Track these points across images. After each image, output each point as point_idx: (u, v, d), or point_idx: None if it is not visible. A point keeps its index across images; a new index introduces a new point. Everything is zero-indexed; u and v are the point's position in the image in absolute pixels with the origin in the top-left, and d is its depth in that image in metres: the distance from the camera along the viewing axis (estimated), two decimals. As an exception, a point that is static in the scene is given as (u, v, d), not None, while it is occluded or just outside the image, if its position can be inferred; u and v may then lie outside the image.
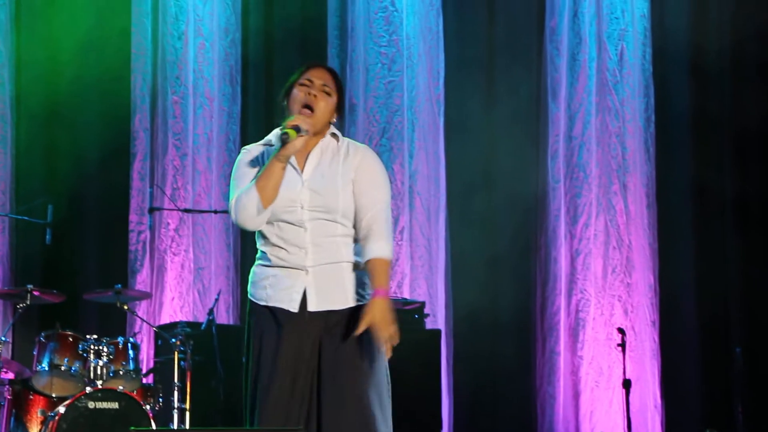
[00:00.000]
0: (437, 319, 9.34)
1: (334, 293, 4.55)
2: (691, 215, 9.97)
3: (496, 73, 10.02)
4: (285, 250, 4.55)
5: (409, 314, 8.43)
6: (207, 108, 9.34)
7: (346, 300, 4.56)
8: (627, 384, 8.52)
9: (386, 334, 4.49)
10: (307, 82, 4.62)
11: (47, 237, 8.33)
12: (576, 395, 9.53)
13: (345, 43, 9.69)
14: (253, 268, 4.71)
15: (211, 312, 8.12)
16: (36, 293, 8.04)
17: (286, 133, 4.44)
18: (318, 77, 4.63)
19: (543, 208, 9.80)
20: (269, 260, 4.60)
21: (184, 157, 9.19)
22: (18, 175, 9.03)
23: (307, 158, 4.62)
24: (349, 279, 4.58)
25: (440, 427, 8.25)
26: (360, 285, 4.59)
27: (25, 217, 8.53)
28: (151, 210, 8.79)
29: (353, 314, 4.52)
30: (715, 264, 9.90)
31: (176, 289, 9.01)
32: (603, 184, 9.81)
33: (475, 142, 9.89)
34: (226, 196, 9.10)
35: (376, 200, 4.60)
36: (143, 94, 9.21)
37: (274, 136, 4.67)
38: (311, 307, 4.53)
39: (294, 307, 4.53)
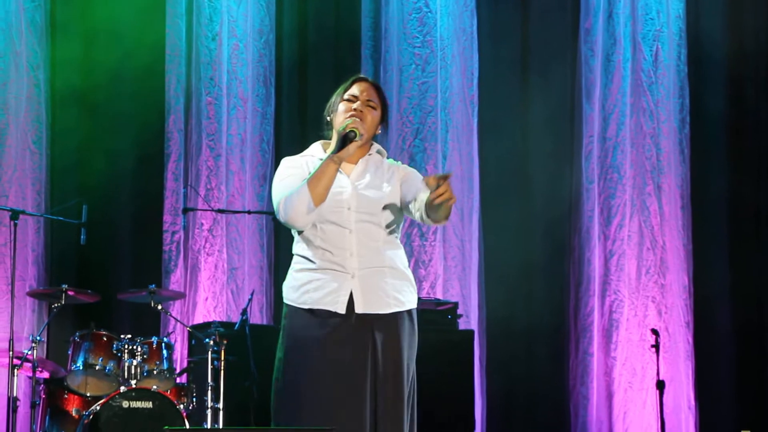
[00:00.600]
0: (470, 319, 9.33)
1: (378, 297, 4.65)
2: (726, 216, 9.93)
3: (530, 74, 10.00)
4: (330, 252, 4.64)
5: (442, 315, 8.43)
6: (241, 109, 9.36)
7: (389, 304, 4.66)
8: (661, 385, 8.49)
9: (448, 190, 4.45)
10: (352, 98, 4.75)
11: (82, 237, 8.36)
12: (609, 396, 9.50)
13: (379, 44, 9.69)
14: (293, 273, 4.75)
15: (244, 312, 8.13)
16: (71, 293, 8.08)
17: (353, 132, 4.60)
18: (363, 91, 4.77)
19: (577, 209, 9.77)
20: (313, 263, 4.67)
21: (217, 157, 9.21)
22: (53, 176, 9.08)
23: (355, 166, 4.78)
24: (391, 284, 4.69)
25: (473, 428, 8.24)
26: (399, 291, 4.70)
27: (60, 218, 8.57)
28: (185, 210, 8.82)
29: (394, 319, 4.65)
30: (749, 265, 9.86)
31: (210, 289, 9.04)
32: (637, 185, 9.77)
33: (509, 143, 9.88)
34: (260, 197, 9.15)
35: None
36: (177, 95, 9.24)
37: (313, 149, 4.81)
38: (359, 309, 4.62)
39: (341, 309, 4.61)
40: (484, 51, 9.81)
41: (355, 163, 4.79)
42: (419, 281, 9.34)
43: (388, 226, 4.75)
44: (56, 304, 8.10)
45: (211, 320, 8.54)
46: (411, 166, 9.34)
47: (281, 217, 4.64)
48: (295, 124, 9.53)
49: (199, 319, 8.92)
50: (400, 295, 4.71)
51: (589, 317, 9.57)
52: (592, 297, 9.60)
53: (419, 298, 8.63)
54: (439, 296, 9.18)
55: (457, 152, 9.64)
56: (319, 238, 4.65)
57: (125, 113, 9.20)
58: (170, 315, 8.59)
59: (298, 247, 4.74)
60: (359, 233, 4.65)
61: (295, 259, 4.77)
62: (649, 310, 9.61)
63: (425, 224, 4.84)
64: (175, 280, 9.03)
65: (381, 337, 4.62)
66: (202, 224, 9.11)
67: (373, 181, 4.75)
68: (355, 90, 4.77)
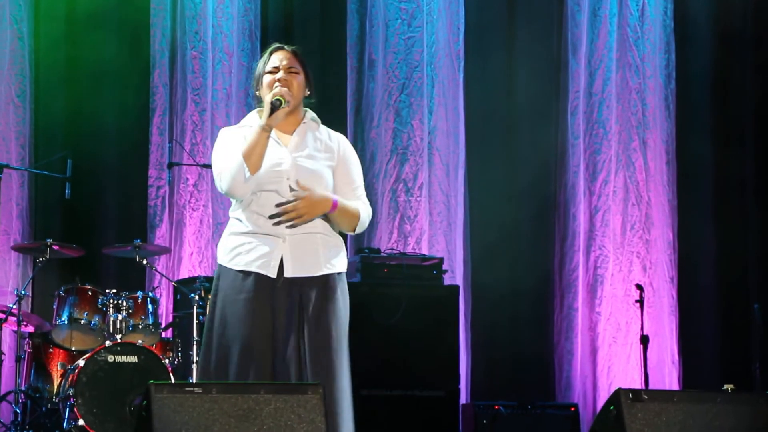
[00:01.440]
0: (455, 275, 9.35)
1: (308, 261, 4.83)
2: (711, 172, 9.95)
3: (516, 29, 9.97)
4: (263, 217, 4.82)
5: (427, 270, 8.45)
6: (226, 63, 9.32)
7: (319, 267, 4.85)
8: (645, 340, 8.54)
9: (295, 209, 4.78)
10: (274, 70, 4.93)
11: (66, 191, 8.35)
12: (594, 351, 9.54)
13: (365, -2, 9.66)
14: (226, 235, 4.94)
15: (229, 267, 8.12)
16: (55, 247, 8.08)
17: (278, 100, 4.79)
18: (282, 60, 4.95)
19: (562, 165, 9.78)
20: (246, 227, 4.85)
21: (203, 112, 9.18)
22: (37, 130, 9.04)
23: (291, 136, 4.95)
24: (323, 248, 4.87)
25: (458, 382, 8.28)
26: (329, 255, 4.88)
27: (45, 172, 8.55)
28: (170, 165, 8.80)
29: (324, 281, 4.84)
30: (734, 220, 9.89)
31: (195, 244, 9.03)
32: (623, 140, 9.78)
33: (495, 98, 9.87)
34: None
35: (362, 192, 5.02)
36: (162, 48, 9.20)
37: (249, 118, 4.98)
38: (287, 273, 4.80)
39: (272, 273, 4.79)
40: (470, 6, 9.77)
41: (291, 133, 4.96)
42: (405, 236, 9.35)
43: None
44: (41, 259, 8.10)
45: (196, 275, 8.56)
46: (397, 122, 9.42)
47: (221, 187, 4.83)
48: (280, 78, 9.48)
49: (184, 273, 8.92)
50: (332, 259, 4.89)
51: (573, 272, 9.60)
52: (577, 252, 9.62)
53: (405, 254, 8.70)
54: (425, 252, 9.19)
55: (443, 107, 9.63)
56: (255, 203, 4.84)
57: (110, 67, 9.16)
58: (155, 270, 8.59)
59: (234, 211, 4.93)
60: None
61: (230, 222, 4.96)
62: (634, 266, 9.64)
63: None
64: (161, 235, 9.02)
65: (310, 299, 4.80)
66: (187, 179, 9.09)
67: (311, 153, 4.92)
68: (275, 61, 4.95)
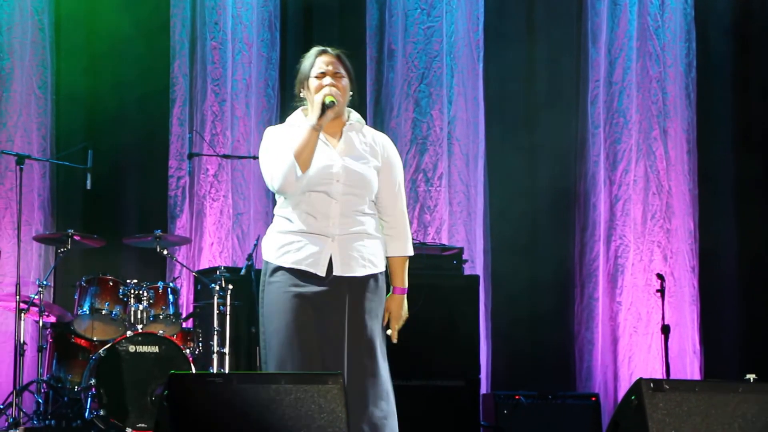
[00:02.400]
0: (476, 264, 9.35)
1: (356, 260, 4.97)
2: (732, 160, 9.92)
3: (535, 18, 9.95)
4: (313, 217, 4.95)
5: (447, 260, 8.45)
6: (246, 54, 9.32)
7: (366, 267, 4.99)
8: (666, 329, 8.52)
9: (399, 326, 5.13)
10: (320, 75, 5.00)
11: (88, 182, 8.38)
12: (614, 341, 9.52)
13: (384, -13, 9.65)
14: (274, 233, 5.04)
15: (250, 257, 8.15)
16: (77, 238, 8.11)
17: (331, 102, 4.89)
18: (328, 64, 5.03)
19: (582, 154, 9.76)
20: (295, 226, 4.96)
21: (222, 102, 9.20)
22: (59, 121, 9.07)
23: (339, 139, 5.06)
24: (369, 248, 5.01)
25: (478, 372, 8.28)
26: (373, 254, 5.03)
27: (66, 162, 8.58)
28: (191, 156, 8.80)
29: (369, 280, 5.00)
30: (755, 209, 9.86)
31: (215, 235, 9.05)
32: (643, 129, 9.75)
33: (515, 87, 9.85)
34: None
35: (400, 195, 5.14)
36: (182, 39, 9.21)
37: (295, 118, 5.08)
38: (336, 272, 4.94)
39: (322, 272, 4.92)
40: (490, -5, 9.77)
41: (337, 134, 5.07)
42: (425, 226, 9.35)
43: (371, 198, 5.05)
44: (62, 249, 8.13)
45: (216, 265, 8.57)
46: (416, 112, 9.41)
47: (273, 186, 4.94)
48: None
49: (204, 264, 8.94)
50: (374, 258, 5.03)
51: (594, 262, 9.59)
52: (598, 242, 9.60)
53: (425, 243, 8.69)
54: (445, 241, 9.19)
55: (462, 97, 9.62)
56: (305, 203, 4.96)
57: (130, 58, 9.19)
58: (176, 260, 8.61)
59: (282, 209, 5.03)
60: (343, 203, 4.96)
61: (277, 219, 5.05)
62: (655, 255, 9.61)
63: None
64: (181, 226, 9.04)
65: (356, 297, 4.95)
66: (207, 169, 9.11)
67: (360, 155, 5.02)
68: (321, 65, 5.03)
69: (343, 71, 5.03)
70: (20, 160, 8.12)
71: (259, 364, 7.95)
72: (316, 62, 5.03)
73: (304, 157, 4.85)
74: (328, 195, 4.93)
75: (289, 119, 5.13)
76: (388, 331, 5.11)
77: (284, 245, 4.96)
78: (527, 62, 9.90)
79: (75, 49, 9.13)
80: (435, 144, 9.47)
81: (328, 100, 4.90)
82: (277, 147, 4.96)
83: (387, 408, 4.97)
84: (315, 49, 5.10)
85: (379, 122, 9.51)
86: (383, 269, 5.08)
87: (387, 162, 5.10)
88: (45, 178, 8.92)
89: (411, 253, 5.16)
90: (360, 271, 4.97)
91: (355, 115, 5.15)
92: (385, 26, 9.58)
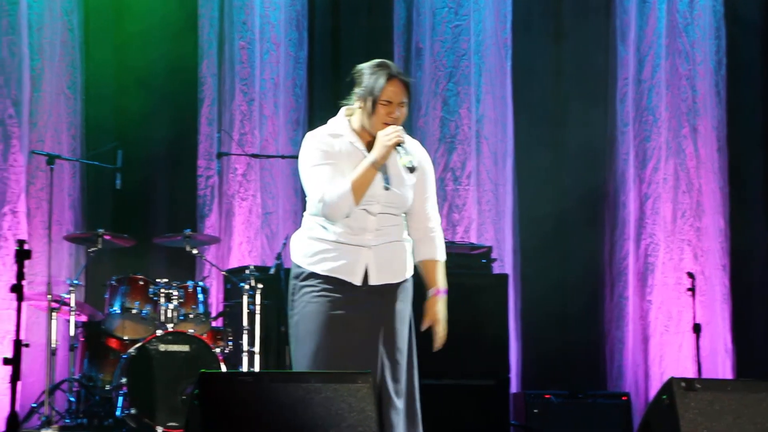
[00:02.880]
0: (504, 263, 9.33)
1: (391, 269, 5.02)
2: (762, 158, 9.88)
3: (564, 16, 9.93)
4: (350, 229, 4.96)
5: (476, 259, 8.43)
6: (274, 53, 9.34)
7: (401, 274, 5.05)
8: (697, 328, 8.47)
9: (443, 329, 5.11)
10: (386, 103, 4.97)
11: (117, 182, 8.42)
12: (645, 340, 9.49)
13: (412, -14, 9.65)
14: (308, 239, 5.04)
15: (279, 256, 8.16)
16: (107, 237, 8.14)
17: (402, 148, 4.90)
18: (398, 94, 4.99)
19: (612, 152, 9.74)
20: (332, 234, 4.97)
21: (251, 102, 9.21)
22: (88, 121, 9.11)
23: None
24: (402, 256, 5.07)
25: (508, 371, 8.26)
26: (405, 261, 5.08)
27: (96, 162, 8.62)
28: (219, 155, 8.83)
29: (401, 286, 5.05)
30: (787, 207, 9.82)
31: (244, 234, 9.07)
32: (672, 127, 9.71)
33: (543, 86, 9.84)
34: (293, 141, 9.15)
35: (433, 203, 5.17)
36: (210, 39, 9.23)
37: (338, 125, 5.05)
38: (372, 281, 4.98)
39: (358, 281, 4.95)
40: (518, -7, 9.75)
41: None
42: (453, 225, 9.34)
43: (403, 211, 5.11)
44: (93, 249, 8.17)
45: (246, 264, 8.58)
46: (444, 111, 9.40)
47: (321, 212, 4.92)
48: (327, 68, 9.51)
49: (234, 263, 8.96)
50: (407, 265, 5.08)
51: (624, 261, 9.56)
52: (627, 241, 9.57)
53: (454, 242, 8.68)
54: (473, 240, 9.18)
55: (490, 96, 9.60)
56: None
57: (159, 58, 9.21)
58: (205, 259, 8.64)
59: (317, 218, 5.01)
60: (381, 219, 5.00)
61: (310, 224, 5.04)
62: (685, 254, 9.57)
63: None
64: (210, 225, 9.06)
65: (388, 304, 4.99)
66: (236, 169, 9.12)
67: (400, 175, 5.01)
68: (390, 94, 4.96)
69: (407, 100, 5.02)
70: (51, 160, 8.16)
71: (288, 363, 7.97)
72: (386, 89, 4.95)
73: (361, 192, 4.88)
74: (367, 212, 4.96)
75: (330, 126, 5.07)
76: (435, 340, 5.10)
77: (319, 252, 4.97)
78: (555, 60, 9.88)
79: (104, 50, 9.17)
80: (463, 143, 9.46)
81: (408, 162, 4.88)
82: (325, 167, 4.94)
83: (415, 417, 4.99)
84: (386, 70, 4.99)
85: (406, 121, 9.41)
86: (412, 273, 5.11)
87: (422, 173, 5.10)
88: (75, 177, 8.96)
89: (441, 258, 5.18)
90: (394, 279, 5.01)
91: None
92: (412, 25, 9.58)
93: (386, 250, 5.00)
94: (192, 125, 9.18)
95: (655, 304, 9.49)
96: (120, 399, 7.61)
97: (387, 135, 4.91)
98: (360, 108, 5.00)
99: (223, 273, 8.59)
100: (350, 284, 4.94)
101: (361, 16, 9.66)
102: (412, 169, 4.89)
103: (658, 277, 9.52)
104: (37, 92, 8.87)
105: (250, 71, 9.23)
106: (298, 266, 5.02)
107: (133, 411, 7.55)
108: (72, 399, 7.91)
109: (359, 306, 4.92)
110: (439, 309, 5.10)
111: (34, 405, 7.93)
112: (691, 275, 8.66)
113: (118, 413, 7.61)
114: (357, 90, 5.02)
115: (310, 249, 5.00)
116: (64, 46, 8.99)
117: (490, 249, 8.57)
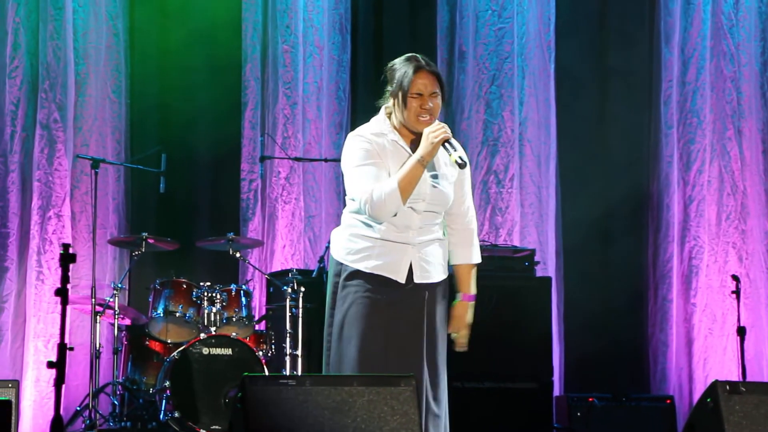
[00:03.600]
0: (548, 266, 9.30)
1: (434, 267, 5.03)
2: (809, 161, 9.80)
3: (608, 18, 9.89)
4: (394, 227, 4.95)
5: (519, 262, 8.41)
6: (317, 57, 9.35)
7: (442, 272, 5.08)
8: (742, 331, 8.41)
9: (466, 333, 5.16)
10: (417, 95, 4.95)
11: (161, 185, 8.47)
12: (689, 343, 9.44)
13: (455, -10, 9.64)
14: (351, 237, 5.02)
15: (321, 260, 8.17)
16: (151, 241, 8.19)
17: (449, 142, 4.89)
18: (427, 86, 4.97)
19: (655, 155, 9.69)
20: (376, 232, 4.95)
21: (294, 105, 9.23)
22: (132, 125, 9.16)
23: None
24: (443, 255, 5.09)
25: (551, 374, 8.24)
26: (445, 259, 5.12)
27: (140, 166, 8.67)
28: (263, 159, 8.86)
29: (442, 285, 5.07)
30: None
31: (287, 237, 9.09)
32: (717, 129, 9.65)
33: (586, 88, 9.81)
34: (336, 145, 9.16)
35: (469, 202, 5.18)
36: (254, 43, 9.26)
37: (380, 125, 5.04)
38: (417, 279, 4.98)
39: (402, 279, 4.95)
40: (561, -5, 9.73)
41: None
42: (496, 228, 9.33)
43: (445, 210, 5.10)
44: (136, 252, 8.22)
45: (288, 268, 8.59)
46: (487, 113, 9.38)
47: (368, 211, 4.90)
48: (370, 71, 9.51)
49: (276, 266, 8.98)
50: (444, 263, 5.10)
51: (668, 263, 9.51)
52: (671, 243, 9.52)
53: (497, 245, 8.67)
54: (516, 243, 9.16)
55: (533, 98, 9.58)
56: None
57: (203, 62, 9.26)
58: (248, 263, 8.66)
59: (360, 215, 4.99)
60: (425, 217, 5.00)
61: (352, 221, 5.03)
62: (730, 256, 9.51)
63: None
64: (253, 228, 9.09)
65: (431, 303, 5.00)
66: (279, 172, 9.15)
67: (444, 173, 5.03)
68: (419, 86, 4.95)
69: (438, 90, 4.98)
70: (95, 164, 8.22)
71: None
72: (415, 81, 4.94)
73: (409, 190, 4.86)
74: (413, 210, 4.95)
75: (372, 125, 5.07)
76: (453, 335, 5.13)
77: (362, 249, 4.96)
78: (599, 62, 9.85)
79: (148, 54, 9.22)
80: (506, 145, 9.44)
81: (456, 158, 4.87)
82: (370, 167, 4.94)
83: (445, 418, 5.00)
84: (413, 63, 4.99)
85: (450, 124, 9.39)
86: (447, 274, 5.12)
87: (461, 174, 5.10)
88: (119, 181, 9.01)
89: (477, 260, 5.19)
90: (436, 277, 5.02)
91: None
92: (455, 28, 9.57)
93: (429, 248, 5.00)
94: (235, 129, 9.21)
95: (699, 307, 9.44)
96: (163, 402, 7.65)
97: (434, 132, 4.89)
98: (394, 104, 5.00)
99: (266, 276, 8.61)
100: (394, 283, 4.94)
101: (404, 19, 9.67)
102: (462, 165, 4.89)
103: (702, 280, 9.46)
104: (82, 97, 8.93)
105: (294, 75, 9.25)
106: (340, 263, 5.01)
107: (176, 414, 7.58)
108: (116, 402, 7.95)
109: (404, 307, 4.93)
110: (469, 315, 5.15)
111: (78, 408, 7.98)
112: (735, 278, 8.60)
113: (161, 416, 7.65)
114: (389, 87, 5.02)
115: (354, 246, 4.99)
116: (109, 51, 9.04)
117: (533, 252, 8.55)
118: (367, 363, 4.84)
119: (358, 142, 5.00)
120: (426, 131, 4.89)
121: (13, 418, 5.41)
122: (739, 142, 9.64)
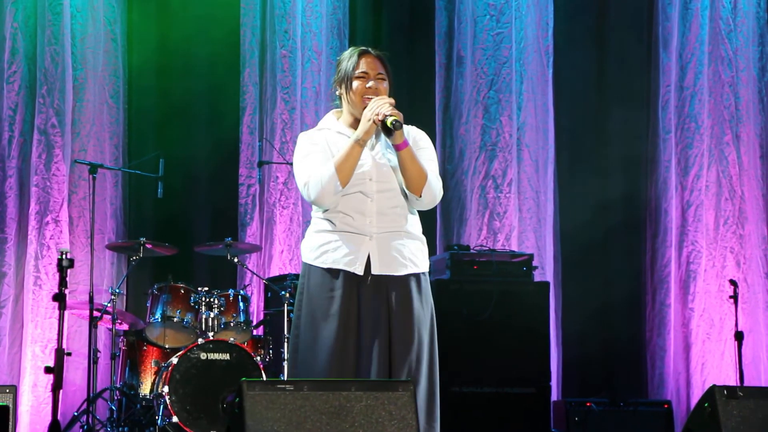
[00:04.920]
0: (545, 271, 9.30)
1: (394, 259, 4.90)
2: (807, 166, 9.80)
3: (605, 23, 9.90)
4: (350, 217, 4.89)
5: (517, 266, 8.43)
6: (315, 61, 9.36)
7: (405, 266, 4.91)
8: (739, 336, 8.42)
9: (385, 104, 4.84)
10: (363, 75, 4.94)
11: (159, 190, 8.46)
12: (687, 347, 9.44)
13: (453, -6, 9.65)
14: (312, 234, 5.00)
15: (319, 265, 8.16)
16: (149, 246, 8.18)
17: (398, 122, 4.77)
18: (372, 67, 4.96)
19: (653, 159, 9.69)
20: (332, 225, 4.91)
21: (292, 110, 9.23)
22: (130, 130, 9.17)
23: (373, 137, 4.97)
24: (408, 247, 4.94)
25: (549, 378, 8.24)
26: (414, 254, 4.95)
27: (138, 171, 8.67)
28: (261, 164, 8.87)
29: (408, 280, 4.90)
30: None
31: (285, 242, 9.09)
32: (715, 134, 9.66)
33: (585, 93, 9.81)
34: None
35: (433, 171, 4.95)
36: (252, 48, 9.26)
37: (327, 121, 5.05)
38: (375, 270, 4.87)
39: (359, 270, 4.86)
40: (559, 0, 9.72)
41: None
42: (494, 233, 9.33)
43: (404, 192, 4.94)
44: (134, 257, 8.21)
45: (286, 273, 8.60)
46: (486, 118, 9.38)
47: (308, 196, 4.88)
48: (368, 76, 9.50)
49: (274, 271, 8.98)
50: (415, 258, 4.94)
51: (665, 268, 9.51)
52: (669, 248, 9.53)
53: (495, 250, 8.67)
54: (514, 248, 9.16)
55: (531, 103, 9.58)
56: (342, 204, 4.91)
57: (200, 67, 9.27)
58: (246, 268, 8.66)
59: (319, 211, 4.98)
60: (379, 200, 4.90)
61: (314, 220, 5.02)
62: (728, 261, 9.52)
63: (412, 205, 5.02)
64: (251, 233, 9.09)
65: (395, 298, 4.86)
66: (277, 177, 9.15)
67: (386, 149, 4.94)
68: (363, 66, 4.95)
69: (384, 73, 4.97)
70: (93, 169, 8.22)
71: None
72: (360, 63, 4.95)
73: (346, 171, 4.81)
74: (364, 194, 4.88)
75: (321, 122, 5.11)
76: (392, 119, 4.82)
77: (321, 245, 4.92)
78: (597, 67, 9.86)
79: (146, 59, 9.23)
80: (504, 150, 9.44)
81: (391, 120, 4.78)
82: (311, 155, 4.92)
83: (433, 413, 4.88)
84: (357, 49, 5.02)
85: (448, 129, 9.51)
86: (426, 270, 5.00)
87: (418, 143, 5.00)
88: (117, 186, 9.01)
89: (432, 181, 4.89)
90: (400, 270, 4.89)
91: None
92: (454, 33, 9.58)
93: (390, 239, 4.89)
94: (233, 134, 9.21)
95: (697, 312, 9.44)
96: (161, 407, 7.64)
97: (370, 109, 4.82)
98: (342, 96, 4.99)
99: (264, 281, 8.61)
100: (354, 276, 4.86)
101: (403, 24, 9.68)
102: (396, 126, 4.75)
103: (700, 285, 9.47)
104: (80, 102, 8.93)
105: (292, 80, 9.26)
106: (306, 264, 4.97)
107: (174, 419, 7.58)
108: (113, 407, 7.95)
109: (364, 301, 4.83)
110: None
111: (76, 413, 7.97)
112: (733, 283, 8.61)
113: (159, 422, 7.64)
114: (335, 77, 5.02)
115: (314, 243, 4.95)
116: (107, 56, 9.05)
117: (531, 257, 8.55)
118: (328, 365, 4.78)
119: (302, 139, 5.03)
120: (364, 111, 4.84)
121: (10, 423, 5.40)
122: (737, 147, 9.65)
